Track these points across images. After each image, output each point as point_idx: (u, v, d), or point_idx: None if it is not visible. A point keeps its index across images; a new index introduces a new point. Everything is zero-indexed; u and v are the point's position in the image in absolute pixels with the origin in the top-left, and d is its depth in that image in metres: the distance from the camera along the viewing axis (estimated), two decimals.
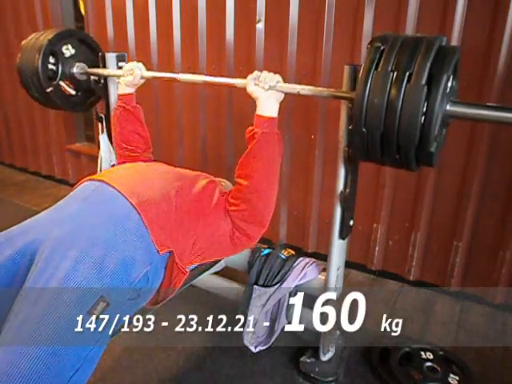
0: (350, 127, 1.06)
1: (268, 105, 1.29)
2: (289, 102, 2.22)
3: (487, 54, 1.75)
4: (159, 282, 1.16)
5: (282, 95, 1.31)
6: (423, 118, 0.96)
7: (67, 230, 1.02)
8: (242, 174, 1.30)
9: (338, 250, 1.44)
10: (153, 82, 2.73)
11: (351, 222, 1.42)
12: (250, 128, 1.29)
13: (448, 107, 1.01)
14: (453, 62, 0.98)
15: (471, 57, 1.78)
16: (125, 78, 1.59)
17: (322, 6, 2.04)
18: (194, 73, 2.53)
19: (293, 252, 1.67)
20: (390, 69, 0.99)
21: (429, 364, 1.55)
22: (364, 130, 1.02)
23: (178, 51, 2.58)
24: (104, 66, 1.88)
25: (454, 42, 1.79)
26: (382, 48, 1.03)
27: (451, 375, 1.50)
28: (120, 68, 1.81)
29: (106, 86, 1.91)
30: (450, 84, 0.99)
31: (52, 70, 1.84)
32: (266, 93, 1.28)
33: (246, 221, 1.31)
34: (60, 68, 1.86)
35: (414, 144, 0.99)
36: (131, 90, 1.60)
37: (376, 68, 1.01)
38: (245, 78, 1.34)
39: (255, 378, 1.56)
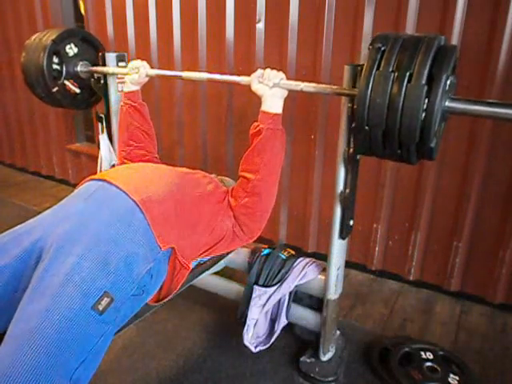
0: (353, 125, 1.11)
1: (273, 102, 1.32)
2: (289, 102, 2.20)
3: (488, 52, 1.75)
4: (163, 278, 1.17)
5: (286, 92, 1.35)
6: (423, 115, 1.00)
7: (71, 227, 1.03)
8: (247, 169, 1.34)
9: (338, 249, 1.44)
10: (154, 81, 2.73)
11: (351, 222, 1.42)
12: (255, 124, 1.33)
13: (447, 103, 1.05)
14: (452, 61, 1.01)
15: (471, 56, 1.78)
16: (130, 76, 1.61)
17: (322, 6, 2.05)
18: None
19: (293, 252, 1.67)
20: (390, 69, 1.02)
21: (429, 364, 1.55)
22: (367, 127, 1.07)
23: (178, 51, 2.58)
24: (104, 66, 1.88)
25: (454, 41, 1.79)
26: (382, 49, 1.06)
27: (451, 375, 1.50)
28: (124, 67, 1.83)
29: (106, 86, 1.91)
30: (449, 82, 1.02)
31: (56, 69, 1.86)
32: (271, 90, 1.32)
33: (249, 214, 1.36)
34: (64, 67, 1.88)
35: (415, 141, 1.03)
36: (136, 88, 1.63)
37: (378, 68, 1.04)
38: (248, 75, 1.36)
39: (255, 378, 1.56)
